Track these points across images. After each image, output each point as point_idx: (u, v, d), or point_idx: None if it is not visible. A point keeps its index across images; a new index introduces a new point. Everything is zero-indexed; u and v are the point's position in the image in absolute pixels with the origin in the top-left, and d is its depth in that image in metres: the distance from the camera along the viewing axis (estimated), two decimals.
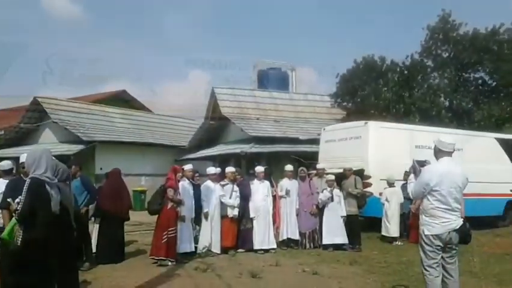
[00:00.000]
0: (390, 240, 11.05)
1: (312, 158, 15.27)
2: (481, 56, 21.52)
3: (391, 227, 11.14)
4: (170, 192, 8.21)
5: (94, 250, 8.18)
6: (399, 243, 10.90)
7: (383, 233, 11.31)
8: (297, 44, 75.99)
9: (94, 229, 8.56)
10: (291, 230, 10.14)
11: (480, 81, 23.12)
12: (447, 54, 22.75)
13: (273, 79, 31.09)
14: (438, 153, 4.93)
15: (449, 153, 4.89)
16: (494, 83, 22.74)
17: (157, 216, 8.35)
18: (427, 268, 4.81)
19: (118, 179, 8.79)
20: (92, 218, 8.62)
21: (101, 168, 19.27)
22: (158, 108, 32.95)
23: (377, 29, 74.61)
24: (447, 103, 21.53)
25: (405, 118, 18.78)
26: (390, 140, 12.58)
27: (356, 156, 12.32)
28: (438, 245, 4.75)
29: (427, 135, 13.06)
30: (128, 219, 8.80)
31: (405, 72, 22.00)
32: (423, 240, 4.85)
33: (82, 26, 74.98)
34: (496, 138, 15.04)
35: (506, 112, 20.76)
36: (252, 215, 9.65)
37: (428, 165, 5.28)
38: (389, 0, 71.60)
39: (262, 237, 9.59)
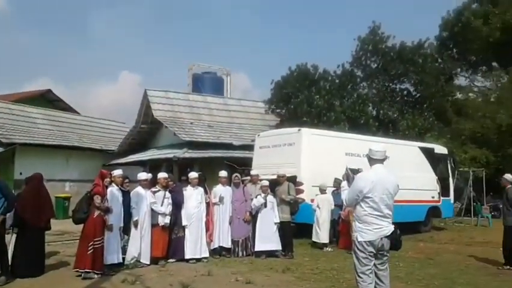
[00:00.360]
0: (321, 246, 11.22)
1: (246, 164, 15.24)
2: (407, 68, 22.73)
3: (322, 233, 11.31)
4: (97, 199, 7.74)
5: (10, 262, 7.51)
6: (330, 249, 11.09)
7: (314, 239, 11.46)
8: (234, 50, 76.32)
9: (11, 239, 7.87)
10: (223, 238, 9.96)
11: (405, 92, 24.40)
12: (376, 65, 23.80)
13: (207, 83, 30.89)
14: (371, 161, 5.02)
15: (381, 161, 4.99)
16: (418, 94, 24.08)
17: (82, 225, 7.84)
18: (361, 275, 4.83)
19: (39, 185, 8.16)
20: (10, 228, 7.92)
21: (21, 173, 18.09)
22: (86, 110, 31.58)
23: (312, 37, 76.76)
24: (374, 112, 22.46)
25: (335, 126, 19.32)
26: (322, 147, 12.82)
27: (289, 162, 12.41)
28: (372, 252, 4.80)
29: (357, 143, 13.50)
30: (49, 228, 8.18)
31: (337, 81, 22.70)
32: (357, 247, 4.87)
33: (5, 19, 70.48)
34: (419, 147, 15.83)
35: (428, 122, 22.05)
36: (184, 223, 9.35)
37: (361, 172, 5.35)
38: (324, 11, 74.00)
39: (194, 246, 9.32)
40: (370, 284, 4.83)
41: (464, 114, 26.15)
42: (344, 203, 5.46)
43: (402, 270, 8.53)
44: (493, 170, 22.77)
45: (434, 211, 15.42)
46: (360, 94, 22.30)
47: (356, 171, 5.58)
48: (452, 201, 16.73)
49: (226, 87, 32.79)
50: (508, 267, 8.66)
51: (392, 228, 4.86)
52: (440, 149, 16.58)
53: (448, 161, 16.69)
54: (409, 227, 13.99)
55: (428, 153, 15.74)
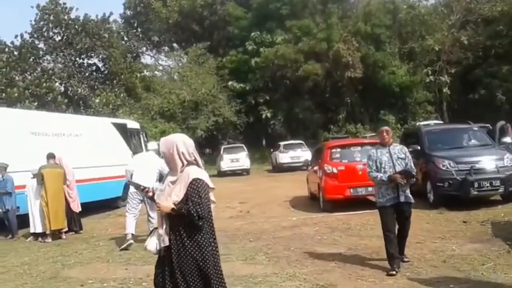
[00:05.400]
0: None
1: None
2: (94, 42, 22.07)
3: (37, 222, 9.56)
4: None
5: None
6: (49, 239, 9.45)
7: (32, 230, 9.64)
8: None
9: None
10: None
11: (94, 67, 23.77)
12: (60, 37, 22.22)
13: None
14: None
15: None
16: (107, 70, 23.85)
17: None
18: None
19: None
20: None
21: None
22: None
23: None
24: (63, 88, 21.09)
25: (19, 104, 17.16)
26: (1, 127, 11.02)
27: None
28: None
29: (45, 121, 12.29)
30: None
31: (16, 53, 20.16)
32: None
33: None
34: (112, 123, 15.61)
35: (120, 99, 22.13)
36: None
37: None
38: None
39: None
40: None
41: (153, 91, 27.55)
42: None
43: (102, 249, 8.20)
44: None
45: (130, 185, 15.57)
46: (45, 68, 20.44)
47: None
48: None
49: None
50: None
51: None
52: (132, 124, 16.79)
53: (141, 135, 17.10)
54: (107, 203, 13.80)
55: (122, 129, 15.68)
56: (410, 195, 5.61)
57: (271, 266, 6.18)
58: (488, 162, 9.10)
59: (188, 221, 3.08)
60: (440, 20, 32.74)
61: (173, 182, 3.16)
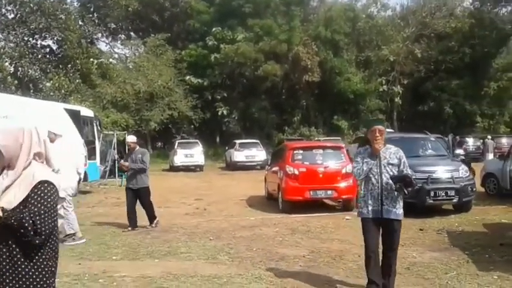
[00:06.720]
0: None
1: None
2: (49, 23, 20.97)
3: None
4: None
5: None
6: None
7: None
8: None
9: None
10: None
11: (48, 49, 22.58)
12: (13, 15, 20.98)
13: None
14: None
15: None
16: (62, 53, 22.76)
17: None
18: None
19: None
20: None
21: None
22: None
23: None
24: (12, 69, 19.91)
25: None
26: None
27: None
28: None
29: None
30: None
31: None
32: None
33: None
34: (65, 109, 14.94)
35: (74, 84, 21.15)
36: None
37: None
38: None
39: None
40: None
41: (108, 79, 26.64)
42: None
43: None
44: (132, 132, 24.22)
45: None
46: None
47: None
48: (98, 164, 16.67)
49: None
50: (152, 224, 8.89)
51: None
52: (86, 112, 16.16)
53: (95, 124, 16.46)
54: None
55: (74, 116, 15.03)
56: (397, 211, 4.56)
57: (235, 267, 6.04)
58: (444, 172, 9.40)
59: (19, 237, 2.18)
60: (396, 32, 33.85)
61: (8, 186, 2.25)
